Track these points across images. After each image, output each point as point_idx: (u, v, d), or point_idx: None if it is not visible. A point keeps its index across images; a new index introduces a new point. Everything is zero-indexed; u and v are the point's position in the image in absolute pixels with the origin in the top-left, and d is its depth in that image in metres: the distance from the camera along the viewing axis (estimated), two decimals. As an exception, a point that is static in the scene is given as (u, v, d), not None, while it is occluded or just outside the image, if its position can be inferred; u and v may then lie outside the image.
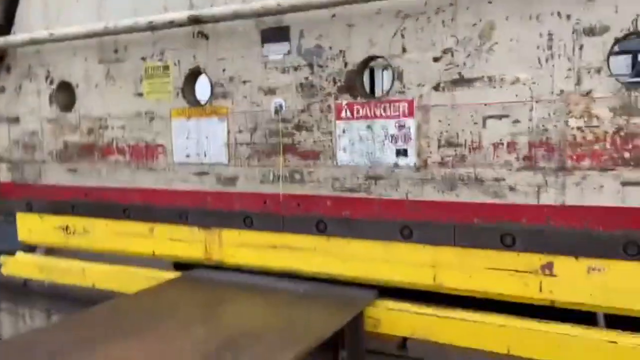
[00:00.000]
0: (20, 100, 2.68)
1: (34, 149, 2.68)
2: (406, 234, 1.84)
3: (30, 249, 2.95)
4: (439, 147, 1.76)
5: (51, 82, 2.57)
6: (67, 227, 2.63)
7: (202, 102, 2.23)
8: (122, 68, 2.35)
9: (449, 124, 1.74)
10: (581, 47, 1.54)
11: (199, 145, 2.20)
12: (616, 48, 1.60)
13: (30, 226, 2.77)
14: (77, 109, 2.51)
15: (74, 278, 2.60)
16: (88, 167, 2.51)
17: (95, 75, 2.43)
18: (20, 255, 2.89)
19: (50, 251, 2.89)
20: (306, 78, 1.95)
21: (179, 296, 2.07)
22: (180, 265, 2.43)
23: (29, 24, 2.59)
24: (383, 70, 9.13)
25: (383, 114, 1.84)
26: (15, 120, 2.72)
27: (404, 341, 1.85)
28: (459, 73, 1.70)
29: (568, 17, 1.55)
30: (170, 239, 2.32)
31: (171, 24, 2.08)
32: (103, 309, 1.94)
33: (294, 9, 1.86)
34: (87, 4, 2.38)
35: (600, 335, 1.60)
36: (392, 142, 1.84)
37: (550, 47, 1.58)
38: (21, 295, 2.76)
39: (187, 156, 2.23)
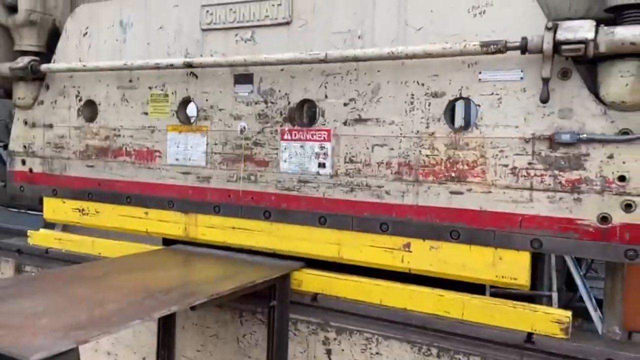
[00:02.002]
0: (55, 111, 3.56)
1: (62, 148, 3.55)
2: (322, 221, 2.69)
3: (50, 226, 3.82)
4: (345, 162, 2.63)
5: (80, 100, 3.45)
6: (82, 209, 3.49)
7: (192, 120, 3.11)
8: (134, 93, 3.23)
9: (351, 148, 2.61)
10: (429, 104, 2.43)
11: (186, 152, 3.07)
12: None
13: (54, 208, 3.62)
14: (98, 121, 3.39)
15: (85, 248, 3.45)
16: (102, 164, 3.37)
17: (114, 96, 3.31)
18: (43, 230, 3.75)
19: (65, 228, 3.75)
20: (262, 110, 2.84)
21: (154, 260, 2.92)
22: (167, 242, 3.29)
23: (66, 53, 3.49)
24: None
25: (311, 138, 2.72)
26: (50, 126, 3.59)
27: (315, 295, 2.70)
28: (359, 115, 2.59)
29: (423, 84, 2.43)
30: (159, 221, 3.17)
31: (171, 66, 2.97)
32: (90, 265, 2.80)
33: (255, 63, 2.75)
34: (111, 45, 3.29)
35: (432, 291, 2.45)
36: (316, 157, 2.71)
37: (412, 103, 2.46)
38: (43, 260, 3.59)
39: (177, 160, 3.10)
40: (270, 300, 2.69)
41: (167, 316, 2.71)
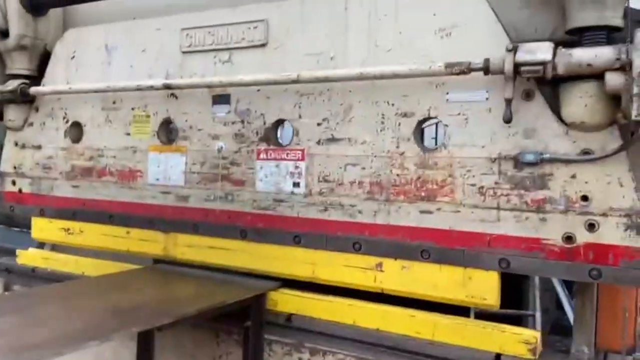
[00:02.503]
0: (43, 132, 3.63)
1: (50, 169, 3.60)
2: (297, 240, 2.70)
3: (40, 245, 3.86)
4: (318, 181, 2.65)
5: (67, 121, 3.52)
6: (68, 229, 3.53)
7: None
8: (118, 114, 3.29)
9: (325, 167, 2.63)
10: (399, 124, 2.45)
11: (166, 172, 3.11)
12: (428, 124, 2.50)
13: (42, 227, 3.67)
14: (84, 142, 3.45)
15: (69, 267, 3.49)
16: (87, 184, 3.42)
17: (98, 117, 3.37)
18: (31, 250, 3.80)
19: (55, 247, 3.79)
20: (239, 130, 2.87)
21: (130, 279, 2.94)
22: (158, 262, 3.29)
23: (54, 76, 3.57)
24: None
25: (286, 158, 2.75)
26: (38, 147, 3.66)
27: (290, 316, 2.70)
28: (332, 134, 2.61)
29: (393, 104, 2.46)
30: (140, 240, 3.20)
31: (151, 88, 3.03)
32: (66, 284, 2.82)
33: (231, 84, 2.80)
34: (96, 68, 3.36)
35: (403, 311, 2.44)
36: (290, 177, 2.73)
37: (383, 122, 2.49)
38: (30, 278, 3.63)
39: (157, 179, 3.14)
40: (244, 321, 2.69)
41: (145, 335, 2.70)
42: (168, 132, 3.19)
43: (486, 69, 2.14)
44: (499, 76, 2.15)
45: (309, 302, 2.66)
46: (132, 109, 3.23)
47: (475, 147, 2.28)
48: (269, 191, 2.78)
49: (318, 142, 2.65)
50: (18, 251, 3.78)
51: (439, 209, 2.36)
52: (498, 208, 2.23)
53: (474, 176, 2.29)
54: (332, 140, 2.61)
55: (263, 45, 2.79)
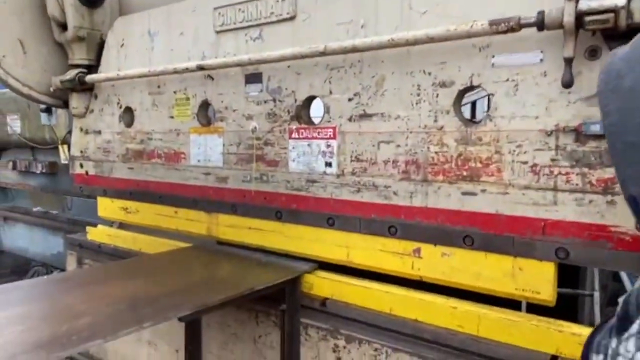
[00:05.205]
0: (102, 118, 3.45)
1: (109, 152, 3.43)
2: (330, 222, 2.30)
3: (109, 223, 3.74)
4: (351, 161, 2.22)
5: (120, 107, 3.30)
6: (126, 208, 3.35)
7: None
8: (162, 98, 3.01)
9: (357, 145, 2.19)
10: (437, 95, 1.94)
11: (206, 154, 2.80)
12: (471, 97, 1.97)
13: (105, 206, 3.53)
14: (135, 126, 3.22)
15: (128, 244, 3.32)
16: (139, 166, 3.20)
17: (146, 102, 3.12)
18: (99, 227, 3.68)
19: (121, 225, 3.65)
20: (271, 109, 2.48)
21: (170, 259, 2.68)
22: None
23: (108, 64, 3.35)
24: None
25: (317, 136, 2.33)
26: (98, 132, 3.49)
27: (324, 300, 2.32)
28: (364, 110, 2.15)
29: (429, 74, 1.95)
30: (187, 219, 2.94)
31: (187, 70, 2.70)
32: (125, 262, 2.61)
33: (259, 61, 2.40)
34: (142, 54, 3.08)
35: (445, 301, 1.98)
36: (322, 156, 2.32)
37: (418, 94, 1.99)
38: (98, 254, 3.52)
39: (198, 161, 2.84)
40: (280, 304, 2.36)
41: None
42: (207, 114, 2.86)
43: (540, 24, 1.58)
44: (557, 32, 1.59)
45: (344, 287, 2.26)
46: (174, 92, 2.93)
47: (527, 119, 1.74)
48: (302, 171, 2.38)
49: (350, 119, 2.20)
50: (88, 228, 3.67)
51: (483, 190, 1.85)
52: (555, 189, 1.69)
53: (525, 152, 1.75)
54: (364, 116, 2.15)
55: (292, 18, 2.35)
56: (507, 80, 1.77)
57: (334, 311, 2.28)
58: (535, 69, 1.72)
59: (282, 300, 2.36)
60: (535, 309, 1.87)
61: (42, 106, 4.91)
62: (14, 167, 5.90)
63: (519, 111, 1.75)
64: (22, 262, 6.37)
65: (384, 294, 2.13)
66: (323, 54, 2.14)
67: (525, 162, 1.75)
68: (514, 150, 1.77)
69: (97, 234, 3.60)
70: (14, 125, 5.43)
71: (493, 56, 1.80)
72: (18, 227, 6.31)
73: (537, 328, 1.77)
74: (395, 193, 2.08)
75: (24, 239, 6.19)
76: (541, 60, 1.70)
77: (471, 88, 1.89)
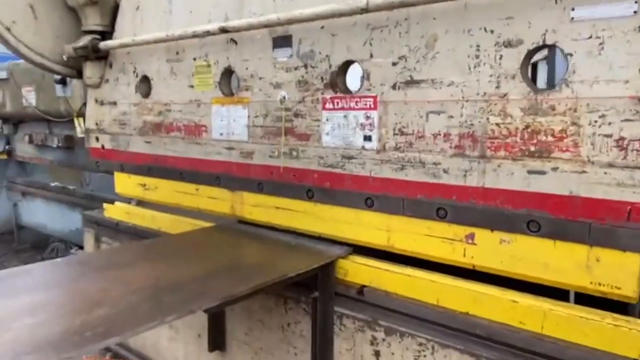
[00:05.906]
0: (118, 88, 3.23)
1: (125, 125, 3.22)
2: (369, 203, 2.07)
3: (127, 200, 3.56)
4: (394, 134, 1.96)
5: (137, 76, 3.07)
6: (144, 184, 3.16)
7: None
8: (181, 66, 2.77)
9: (401, 117, 1.93)
10: (501, 57, 1.66)
11: (229, 126, 2.57)
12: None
13: (123, 182, 3.35)
14: (152, 96, 2.99)
15: (147, 222, 3.14)
16: (158, 140, 2.99)
17: (164, 70, 2.88)
18: (117, 204, 3.51)
19: (140, 202, 3.47)
20: (302, 76, 2.22)
21: (195, 240, 2.48)
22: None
23: (123, 29, 3.10)
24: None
25: (355, 107, 2.07)
26: (114, 104, 3.28)
27: (362, 288, 2.10)
28: (410, 76, 1.88)
29: (492, 31, 1.67)
30: (209, 197, 2.73)
31: (207, 33, 2.44)
32: (145, 243, 2.42)
33: (289, 21, 2.13)
34: (159, 17, 2.83)
35: (504, 294, 1.74)
36: (361, 129, 2.07)
37: (477, 56, 1.71)
38: (116, 232, 3.36)
39: (221, 134, 2.61)
40: (312, 291, 2.15)
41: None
42: (230, 83, 2.61)
43: (644, -37, 1.28)
44: (661, -25, 1.29)
45: (384, 274, 2.03)
46: (194, 59, 2.68)
47: (614, 83, 1.45)
48: (337, 146, 2.14)
49: (393, 87, 1.93)
50: (105, 205, 3.51)
51: (555, 169, 1.59)
52: (647, 168, 1.42)
53: (610, 124, 1.47)
54: (411, 82, 1.88)
55: (327, -30, 2.06)
56: (590, 37, 1.48)
57: (372, 300, 2.06)
58: (627, 24, 1.42)
59: (314, 287, 2.15)
60: (594, 303, 1.63)
61: (57, 77, 4.72)
62: (30, 141, 5.76)
63: (604, 74, 1.47)
64: (42, 237, 6.32)
65: (431, 284, 1.90)
66: (365, 10, 1.86)
67: (610, 135, 1.48)
68: (596, 121, 1.50)
69: (114, 212, 3.44)
70: (29, 97, 5.27)
71: (573, 8, 1.50)
72: (36, 203, 6.23)
73: (614, 328, 1.53)
74: (445, 171, 1.83)
75: (43, 214, 6.11)
76: (635, 12, 1.41)
77: (543, 47, 1.60)
